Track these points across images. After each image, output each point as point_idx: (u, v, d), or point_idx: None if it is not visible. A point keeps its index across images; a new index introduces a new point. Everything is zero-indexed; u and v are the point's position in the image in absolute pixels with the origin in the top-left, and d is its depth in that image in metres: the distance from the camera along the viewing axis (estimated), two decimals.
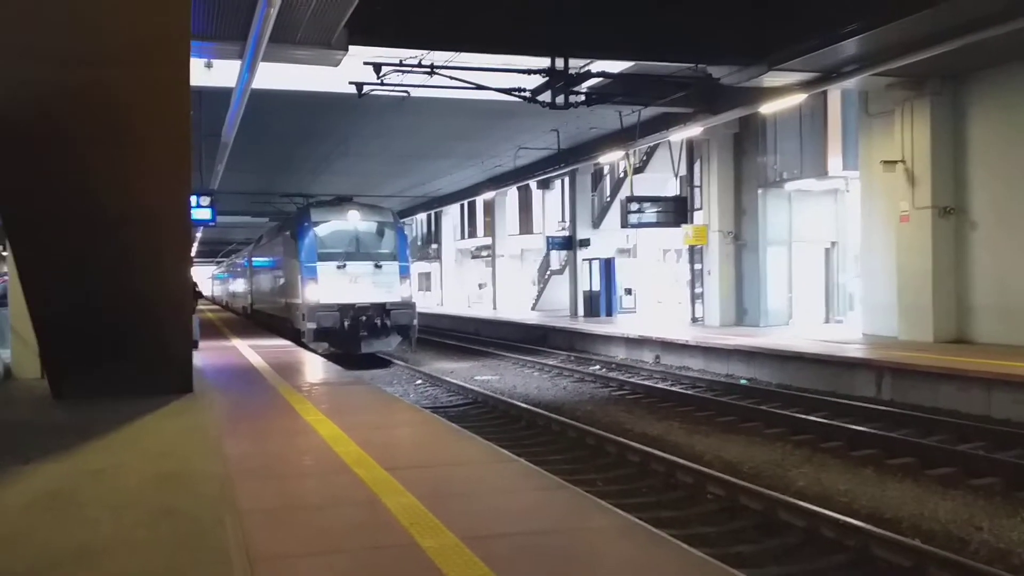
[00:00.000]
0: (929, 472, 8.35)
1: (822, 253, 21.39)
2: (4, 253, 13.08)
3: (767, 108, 16.55)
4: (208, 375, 11.62)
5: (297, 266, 19.90)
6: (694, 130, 19.10)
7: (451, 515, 4.61)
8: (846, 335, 17.42)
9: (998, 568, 5.50)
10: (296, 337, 19.54)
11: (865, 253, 17.84)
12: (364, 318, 19.03)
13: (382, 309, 19.30)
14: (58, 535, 4.48)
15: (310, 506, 5.08)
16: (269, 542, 4.29)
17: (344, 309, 18.88)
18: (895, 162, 15.86)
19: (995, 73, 14.71)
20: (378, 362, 19.48)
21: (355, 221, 20.27)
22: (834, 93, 18.37)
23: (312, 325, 18.72)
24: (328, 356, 16.68)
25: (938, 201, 15.41)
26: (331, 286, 19.22)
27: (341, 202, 21.04)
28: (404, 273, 20.14)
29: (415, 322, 20.12)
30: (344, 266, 19.48)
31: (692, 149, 22.91)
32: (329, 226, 20.06)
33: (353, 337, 18.95)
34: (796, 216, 20.87)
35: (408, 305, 19.85)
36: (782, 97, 15.56)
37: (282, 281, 23.12)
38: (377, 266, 19.71)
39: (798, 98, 15.65)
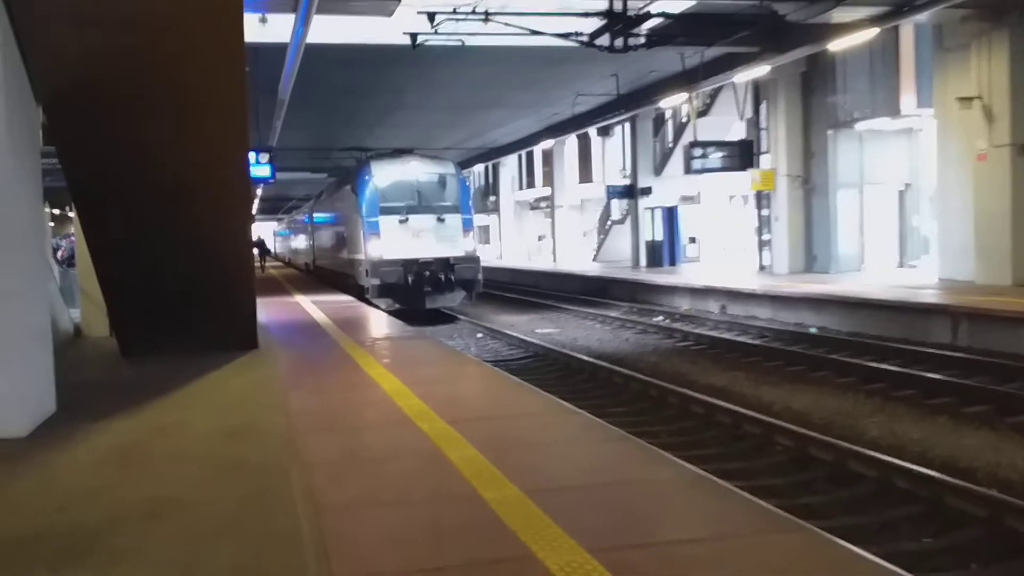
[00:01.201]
0: (1008, 420, 8.05)
1: (895, 195, 20.70)
2: (71, 214, 13.42)
3: (836, 45, 15.90)
4: (272, 331, 11.80)
5: (359, 221, 19.65)
6: (760, 70, 18.47)
7: (513, 467, 4.58)
8: (921, 280, 16.89)
9: None
10: (359, 293, 19.44)
11: (940, 194, 17.18)
12: (428, 273, 18.71)
13: (446, 264, 18.94)
14: (130, 489, 4.58)
15: (374, 458, 5.10)
16: (334, 493, 4.32)
17: (407, 264, 18.58)
18: (972, 98, 15.16)
19: None
20: (443, 318, 19.34)
21: (416, 173, 19.85)
22: (906, 28, 17.60)
23: (375, 281, 18.52)
24: (392, 313, 16.62)
25: (1017, 138, 14.71)
26: (394, 241, 18.93)
27: (402, 154, 20.61)
28: (468, 226, 19.74)
29: (480, 276, 19.77)
30: (406, 220, 19.11)
31: (758, 90, 22.22)
32: (390, 179, 19.65)
33: (417, 293, 18.71)
34: (868, 157, 20.19)
35: (472, 259, 19.51)
36: (852, 33, 14.91)
37: (344, 236, 22.97)
38: (440, 219, 19.31)
39: (869, 33, 14.97)
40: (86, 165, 7.40)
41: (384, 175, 19.69)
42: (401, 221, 19.09)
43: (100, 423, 6.16)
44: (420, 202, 19.46)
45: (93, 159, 7.31)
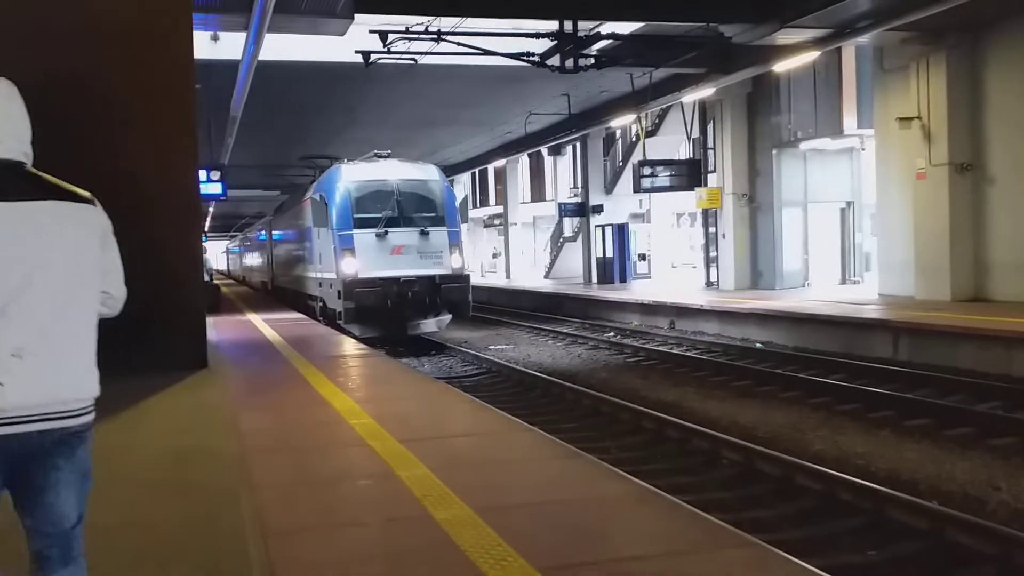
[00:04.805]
0: (947, 433, 8.28)
1: (838, 213, 21.19)
2: None
3: (780, 66, 16.29)
4: (223, 350, 11.65)
5: (329, 235, 16.96)
6: (707, 91, 18.84)
7: (465, 486, 4.58)
8: (863, 296, 17.28)
9: (1016, 528, 5.45)
10: (329, 317, 17.26)
11: (881, 212, 17.64)
12: (410, 295, 16.17)
13: (431, 283, 16.42)
14: None
15: (324, 480, 5.07)
16: (283, 517, 4.27)
17: (387, 284, 15.97)
18: (911, 119, 15.59)
19: (1013, 24, 14.39)
20: (424, 345, 16.93)
21: (396, 180, 17.10)
22: (848, 49, 18.07)
23: (350, 304, 15.85)
24: (366, 340, 14.84)
25: (955, 157, 15.16)
26: (371, 257, 16.38)
27: (378, 157, 17.96)
28: (455, 240, 17.13)
29: (469, 298, 17.16)
30: (385, 234, 16.50)
31: (705, 110, 22.63)
32: (366, 186, 16.98)
33: (398, 317, 16.34)
34: (811, 176, 20.65)
35: (461, 278, 16.93)
36: (795, 55, 15.30)
37: (310, 253, 19.80)
38: (423, 233, 16.65)
39: (812, 55, 15.38)
40: None
41: (358, 182, 17.08)
42: (379, 235, 16.51)
43: None
44: (401, 213, 16.84)
45: None
